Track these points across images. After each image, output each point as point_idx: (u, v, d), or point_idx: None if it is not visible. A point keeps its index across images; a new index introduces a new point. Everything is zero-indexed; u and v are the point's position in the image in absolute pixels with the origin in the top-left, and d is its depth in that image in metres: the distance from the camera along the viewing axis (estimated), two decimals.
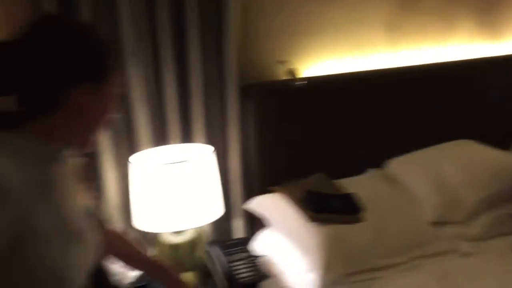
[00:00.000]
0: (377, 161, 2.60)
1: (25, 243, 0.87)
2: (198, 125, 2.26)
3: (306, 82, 2.36)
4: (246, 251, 2.17)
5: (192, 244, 2.11)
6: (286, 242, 2.16)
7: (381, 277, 1.97)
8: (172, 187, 1.93)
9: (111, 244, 1.33)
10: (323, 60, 2.58)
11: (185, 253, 2.07)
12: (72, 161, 1.07)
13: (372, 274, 1.99)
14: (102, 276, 1.24)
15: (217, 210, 2.13)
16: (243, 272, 2.06)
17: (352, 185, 2.38)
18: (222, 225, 2.41)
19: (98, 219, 1.22)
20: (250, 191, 2.42)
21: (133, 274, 1.96)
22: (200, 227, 2.24)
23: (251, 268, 2.08)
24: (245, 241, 2.26)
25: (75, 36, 0.94)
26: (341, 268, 1.98)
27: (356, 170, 2.56)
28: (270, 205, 2.30)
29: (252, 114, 2.35)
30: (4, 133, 0.90)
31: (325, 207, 2.14)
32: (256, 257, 2.16)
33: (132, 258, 1.41)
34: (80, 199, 1.09)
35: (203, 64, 2.22)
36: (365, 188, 2.38)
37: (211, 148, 2.14)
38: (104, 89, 0.99)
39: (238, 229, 2.45)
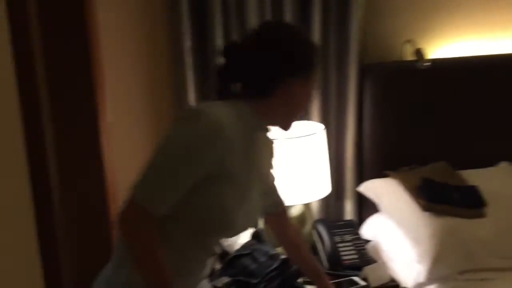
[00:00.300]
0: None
1: (215, 180, 1.12)
2: (313, 102, 2.24)
3: (431, 64, 2.21)
4: (354, 233, 2.14)
5: (300, 220, 2.14)
6: (396, 230, 2.08)
7: (496, 278, 1.81)
8: (283, 162, 1.95)
9: (286, 232, 1.49)
10: (452, 41, 2.39)
11: None
12: (270, 138, 1.32)
13: (487, 274, 1.84)
14: None
15: (326, 188, 2.12)
16: (348, 254, 2.04)
17: (479, 177, 2.20)
18: (332, 205, 2.40)
19: (273, 198, 1.42)
20: (363, 174, 2.36)
21: (239, 242, 2.04)
22: (309, 204, 2.26)
23: (357, 251, 2.05)
24: (354, 223, 2.22)
25: (294, 38, 1.20)
26: (453, 263, 1.86)
27: (485, 162, 2.36)
28: (383, 189, 2.23)
29: (371, 94, 2.28)
30: (235, 102, 1.19)
31: (442, 198, 2.01)
32: (363, 240, 2.11)
33: (297, 254, 1.52)
34: (266, 169, 1.33)
35: (323, 41, 2.19)
36: (493, 182, 2.19)
37: (321, 126, 2.12)
38: (309, 83, 1.22)
39: (348, 211, 2.41)
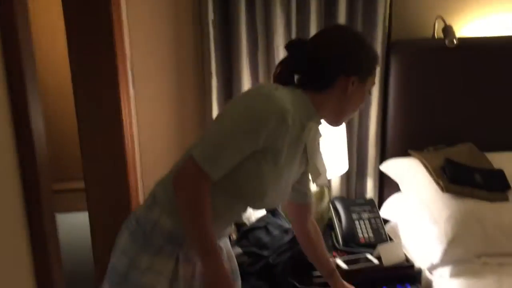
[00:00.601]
0: None
1: (261, 156, 1.20)
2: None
3: (460, 42, 2.13)
4: (372, 212, 2.12)
5: (319, 196, 2.14)
6: (415, 210, 2.05)
7: None
8: None
9: (305, 226, 1.52)
10: (483, 17, 2.29)
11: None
12: (320, 132, 1.37)
13: (505, 259, 1.80)
14: None
15: (343, 166, 2.11)
16: (364, 232, 2.03)
17: (506, 160, 2.14)
18: (353, 183, 2.38)
19: (304, 190, 1.47)
20: (386, 152, 2.33)
21: (254, 216, 2.07)
22: (329, 180, 2.26)
23: (373, 230, 2.03)
24: (373, 202, 2.20)
25: (360, 40, 1.29)
26: (470, 246, 1.82)
27: None
28: (404, 168, 2.19)
29: (397, 71, 2.22)
30: (294, 89, 1.28)
31: (464, 180, 1.96)
32: (381, 219, 2.10)
33: (312, 250, 1.55)
34: (310, 159, 1.35)
35: (348, 15, 2.15)
36: None
37: None
38: (365, 85, 1.29)
39: (369, 189, 2.39)
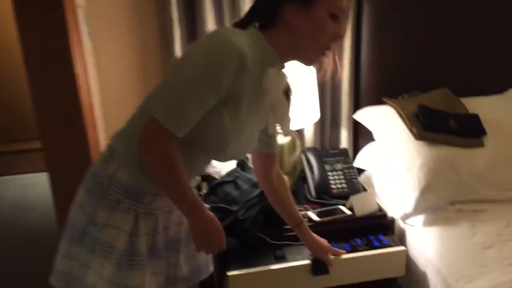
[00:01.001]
0: None
1: (222, 105, 1.12)
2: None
3: None
4: (346, 162, 2.06)
5: (291, 147, 2.06)
6: (389, 159, 1.99)
7: (488, 210, 1.74)
8: None
9: (271, 177, 1.48)
10: None
11: (285, 155, 2.03)
12: (284, 75, 1.25)
13: (479, 206, 1.77)
14: None
15: (316, 114, 2.03)
16: (337, 183, 1.98)
17: (483, 105, 2.08)
18: (327, 132, 2.31)
19: (270, 141, 1.41)
20: (360, 100, 2.25)
21: (224, 169, 2.00)
22: (300, 132, 2.18)
23: (347, 180, 1.98)
24: (347, 152, 2.13)
25: None
26: (444, 193, 1.79)
27: (493, 89, 2.22)
28: (378, 117, 2.12)
29: (370, 15, 2.11)
30: (251, 31, 1.19)
31: (438, 126, 1.90)
32: (355, 170, 2.04)
33: (282, 205, 1.53)
34: (275, 109, 1.27)
35: None
36: (498, 110, 2.07)
37: None
38: (313, 13, 1.14)
39: (343, 139, 2.33)
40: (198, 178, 1.42)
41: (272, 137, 1.41)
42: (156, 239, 1.29)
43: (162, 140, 1.11)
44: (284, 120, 1.30)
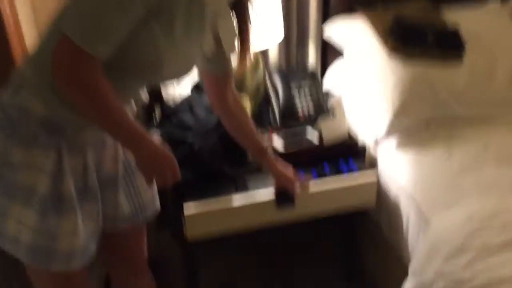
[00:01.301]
0: None
1: (159, 17, 0.96)
2: None
3: None
4: (314, 84, 1.87)
5: (253, 67, 1.86)
6: (360, 78, 1.82)
7: (464, 133, 1.63)
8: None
9: (226, 101, 1.33)
10: None
11: (246, 76, 1.84)
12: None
13: (455, 128, 1.64)
14: None
15: (279, 33, 1.82)
16: (304, 106, 1.81)
17: (463, 17, 1.91)
18: (293, 51, 2.10)
19: (221, 64, 1.25)
20: (329, 12, 2.02)
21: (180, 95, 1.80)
22: (265, 52, 1.98)
23: (315, 104, 1.81)
24: (316, 72, 1.94)
25: None
26: (421, 113, 1.66)
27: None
28: (349, 30, 1.92)
29: None
30: None
31: (414, 39, 1.73)
32: (324, 92, 1.87)
33: (242, 132, 1.38)
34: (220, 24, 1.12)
35: None
36: (478, 23, 1.90)
37: None
38: None
39: (311, 57, 2.13)
40: (135, 107, 1.22)
41: (224, 56, 1.21)
42: (87, 177, 1.11)
43: (78, 63, 0.92)
44: (228, 35, 1.13)
